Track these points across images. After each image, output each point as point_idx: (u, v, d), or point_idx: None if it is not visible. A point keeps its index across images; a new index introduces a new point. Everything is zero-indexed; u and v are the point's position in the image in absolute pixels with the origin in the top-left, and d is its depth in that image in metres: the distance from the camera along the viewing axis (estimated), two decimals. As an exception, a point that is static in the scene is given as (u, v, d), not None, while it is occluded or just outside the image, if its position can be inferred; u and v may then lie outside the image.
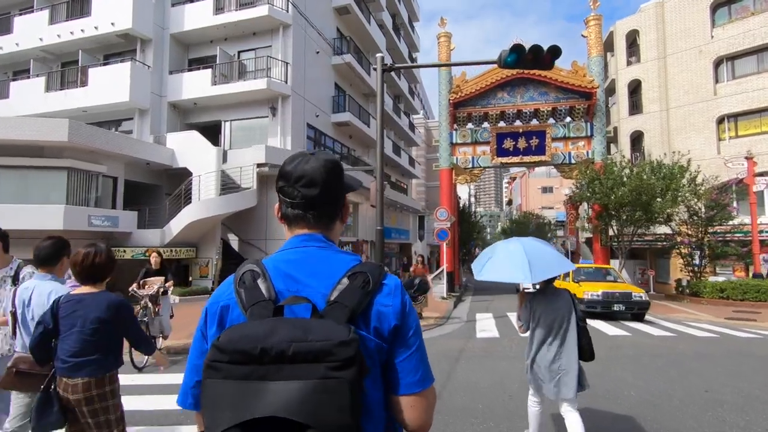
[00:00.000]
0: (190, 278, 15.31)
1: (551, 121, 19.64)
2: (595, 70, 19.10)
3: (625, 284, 12.59)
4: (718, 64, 20.30)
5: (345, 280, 0.92)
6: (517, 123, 19.87)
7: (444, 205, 19.73)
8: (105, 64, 17.33)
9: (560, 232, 43.11)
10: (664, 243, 17.56)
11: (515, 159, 19.62)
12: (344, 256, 1.00)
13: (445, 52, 20.76)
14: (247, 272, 0.95)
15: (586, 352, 3.18)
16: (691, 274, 16.83)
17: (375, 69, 24.54)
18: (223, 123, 17.78)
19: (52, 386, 2.18)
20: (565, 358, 3.12)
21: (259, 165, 15.73)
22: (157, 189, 16.66)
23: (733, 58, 20.00)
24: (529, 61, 7.74)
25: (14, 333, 2.57)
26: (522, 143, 19.34)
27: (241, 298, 0.91)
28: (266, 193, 16.58)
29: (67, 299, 2.22)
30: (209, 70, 16.89)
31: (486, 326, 10.39)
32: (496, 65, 8.39)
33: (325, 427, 0.73)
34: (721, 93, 20.00)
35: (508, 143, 19.46)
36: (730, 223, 15.46)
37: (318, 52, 19.07)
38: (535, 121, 19.80)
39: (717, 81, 20.30)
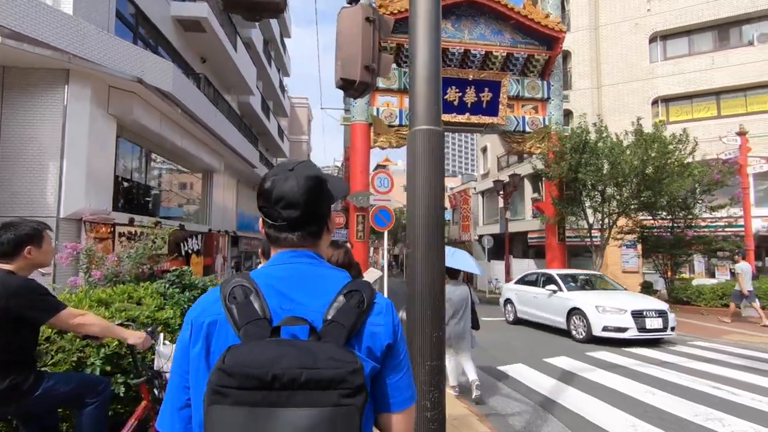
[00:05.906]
0: None
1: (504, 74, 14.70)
2: (551, 16, 14.87)
3: None
4: (652, 40, 18.39)
5: (341, 299, 0.88)
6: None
7: (360, 175, 12.96)
8: None
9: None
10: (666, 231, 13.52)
11: (461, 118, 13.92)
12: (336, 273, 0.96)
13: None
14: (238, 287, 0.87)
15: (474, 322, 5.05)
16: (665, 274, 13.65)
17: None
18: None
19: None
20: (465, 325, 4.93)
21: (-25, 29, 6.30)
22: None
23: (666, 36, 18.29)
24: None
25: None
26: (470, 96, 13.78)
27: (232, 315, 0.83)
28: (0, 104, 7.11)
29: None
30: None
31: (573, 400, 3.99)
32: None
33: None
34: (657, 72, 18.07)
35: (452, 94, 13.65)
36: (731, 211, 12.53)
37: None
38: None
39: (651, 60, 18.35)
